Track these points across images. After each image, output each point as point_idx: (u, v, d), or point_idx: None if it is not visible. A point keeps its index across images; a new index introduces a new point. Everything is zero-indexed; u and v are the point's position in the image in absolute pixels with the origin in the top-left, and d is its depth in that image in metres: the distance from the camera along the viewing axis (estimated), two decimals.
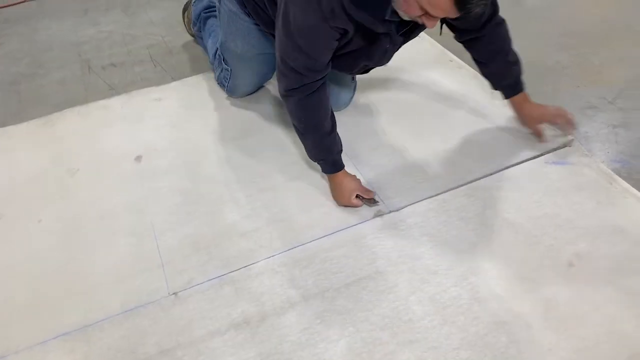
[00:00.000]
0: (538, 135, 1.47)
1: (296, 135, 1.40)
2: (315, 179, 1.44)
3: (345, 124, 1.60)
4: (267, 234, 1.30)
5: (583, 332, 1.05)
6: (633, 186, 1.35)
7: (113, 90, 1.88)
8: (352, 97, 1.68)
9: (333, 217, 1.33)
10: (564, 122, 1.44)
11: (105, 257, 1.28)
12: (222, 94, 1.78)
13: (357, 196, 1.34)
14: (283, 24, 1.20)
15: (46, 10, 2.48)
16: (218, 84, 1.80)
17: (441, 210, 1.33)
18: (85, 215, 1.39)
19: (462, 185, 1.39)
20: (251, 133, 1.61)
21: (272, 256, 1.25)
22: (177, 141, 1.61)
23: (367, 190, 1.36)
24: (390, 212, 1.33)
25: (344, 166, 1.37)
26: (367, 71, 1.48)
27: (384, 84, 1.78)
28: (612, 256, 1.19)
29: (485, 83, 1.51)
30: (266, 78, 1.74)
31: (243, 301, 1.16)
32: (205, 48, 1.85)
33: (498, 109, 1.61)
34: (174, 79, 1.90)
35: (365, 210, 1.34)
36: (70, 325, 1.14)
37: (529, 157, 1.44)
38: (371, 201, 1.35)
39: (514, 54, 1.43)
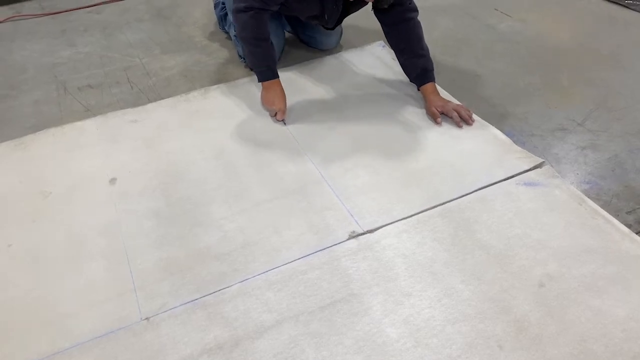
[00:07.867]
0: (434, 119, 1.69)
1: (272, 157, 1.47)
2: (290, 201, 1.44)
3: (320, 146, 1.62)
4: (241, 257, 1.30)
5: (553, 352, 1.06)
6: (602, 207, 1.38)
7: (89, 112, 1.87)
8: (338, 40, 2.12)
9: (308, 238, 1.34)
10: (457, 117, 1.66)
11: (76, 282, 1.26)
12: (198, 116, 1.79)
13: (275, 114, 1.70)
14: None
15: (21, 30, 2.47)
16: (245, 64, 2.05)
17: (415, 232, 1.34)
18: (57, 239, 1.37)
19: (435, 207, 1.40)
20: (226, 155, 1.61)
21: (246, 279, 1.24)
22: (152, 163, 1.60)
23: (283, 113, 1.70)
24: (364, 233, 1.34)
25: (278, 76, 1.75)
26: (326, 27, 1.92)
27: (357, 106, 1.80)
28: (581, 276, 1.21)
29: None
30: (275, 42, 1.86)
31: (216, 326, 1.15)
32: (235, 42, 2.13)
33: (470, 131, 1.65)
34: (150, 101, 1.89)
35: (340, 231, 1.35)
36: (38, 353, 1.11)
37: (501, 178, 1.47)
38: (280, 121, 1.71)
39: (422, 50, 1.73)
